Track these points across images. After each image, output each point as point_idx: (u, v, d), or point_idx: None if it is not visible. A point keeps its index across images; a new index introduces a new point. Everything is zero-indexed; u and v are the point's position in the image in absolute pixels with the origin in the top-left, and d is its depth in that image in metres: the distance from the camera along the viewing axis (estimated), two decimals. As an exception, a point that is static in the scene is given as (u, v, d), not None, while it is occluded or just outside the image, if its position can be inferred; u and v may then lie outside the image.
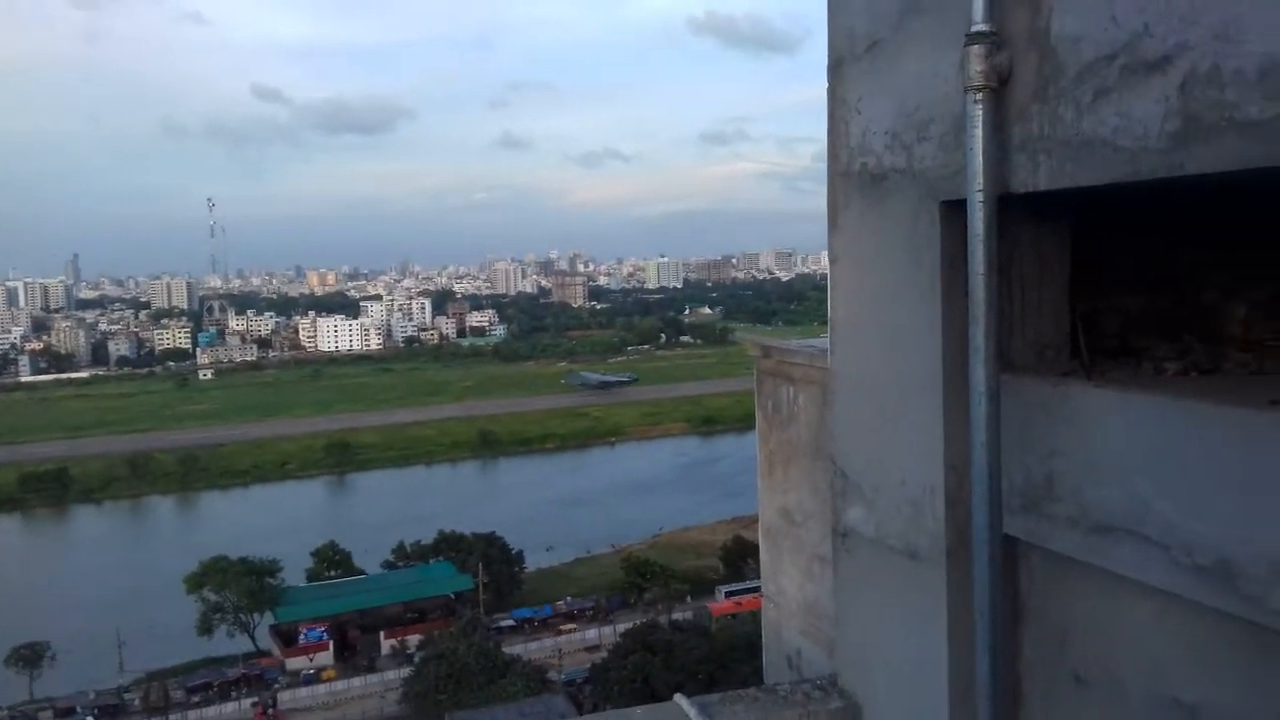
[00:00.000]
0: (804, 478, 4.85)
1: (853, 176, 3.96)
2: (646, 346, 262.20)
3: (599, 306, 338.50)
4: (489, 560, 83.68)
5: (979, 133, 3.06)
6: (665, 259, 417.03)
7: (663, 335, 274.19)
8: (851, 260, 4.01)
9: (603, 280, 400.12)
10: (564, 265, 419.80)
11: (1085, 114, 2.82)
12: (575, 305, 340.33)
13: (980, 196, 3.07)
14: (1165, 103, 2.56)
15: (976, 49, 3.06)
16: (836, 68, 4.09)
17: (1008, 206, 3.24)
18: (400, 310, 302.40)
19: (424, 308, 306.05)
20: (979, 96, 3.07)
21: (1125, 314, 4.02)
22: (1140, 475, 2.77)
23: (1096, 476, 2.92)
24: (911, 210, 3.58)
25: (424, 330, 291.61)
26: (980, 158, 3.06)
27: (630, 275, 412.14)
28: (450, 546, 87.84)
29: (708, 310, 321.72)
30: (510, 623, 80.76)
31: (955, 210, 3.30)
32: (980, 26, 3.06)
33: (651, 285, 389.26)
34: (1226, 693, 2.67)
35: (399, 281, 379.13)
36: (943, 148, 3.40)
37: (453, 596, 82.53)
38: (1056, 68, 2.91)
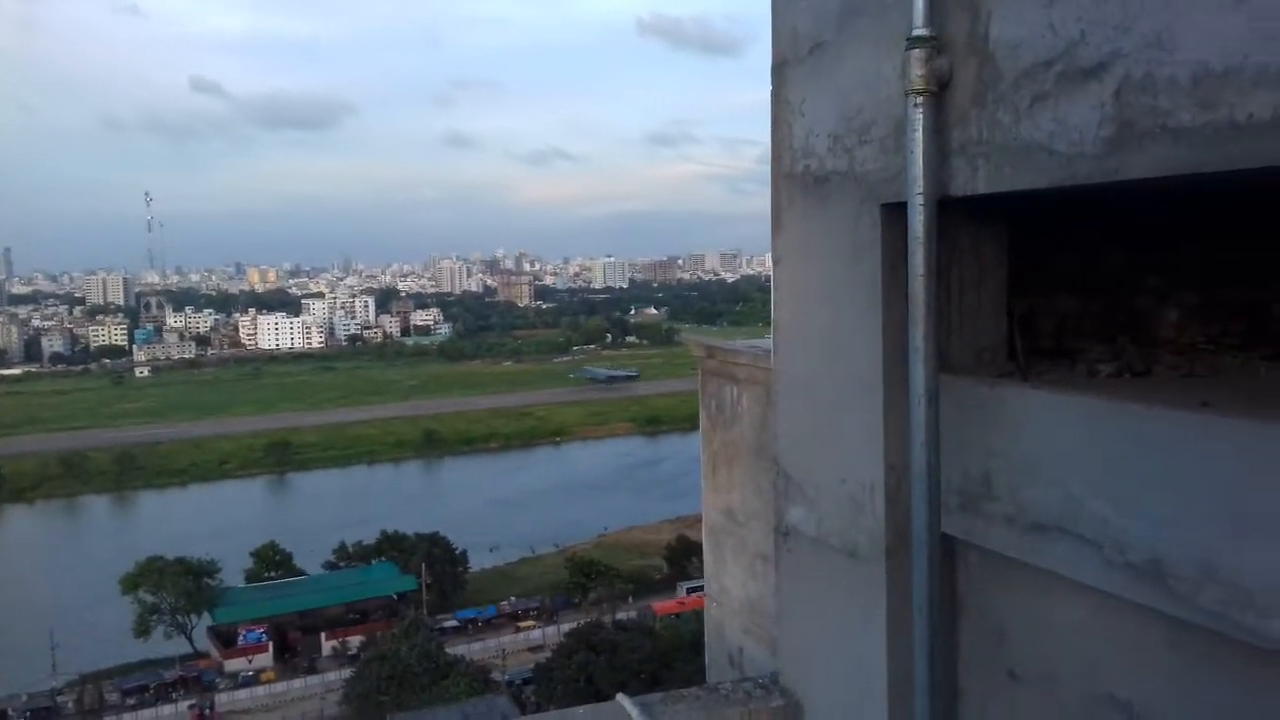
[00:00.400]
0: (747, 477, 4.87)
1: (796, 178, 3.98)
2: (592, 346, 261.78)
3: (545, 306, 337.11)
4: (432, 560, 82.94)
5: (919, 136, 3.09)
6: (611, 259, 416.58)
7: (609, 335, 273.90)
8: (794, 261, 4.02)
9: (549, 280, 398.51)
10: (510, 264, 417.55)
11: (1023, 119, 2.86)
12: (521, 304, 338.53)
13: (920, 200, 3.10)
14: (1101, 109, 2.60)
15: (917, 53, 3.09)
16: (780, 69, 4.11)
17: (947, 209, 3.27)
18: (343, 308, 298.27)
19: (367, 306, 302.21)
20: (919, 100, 3.10)
21: (1061, 316, 4.09)
22: (1074, 475, 2.82)
23: (1032, 476, 2.96)
24: (853, 212, 3.61)
25: (367, 328, 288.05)
26: (920, 161, 3.09)
27: (576, 275, 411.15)
28: (393, 547, 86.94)
29: (653, 310, 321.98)
30: (454, 623, 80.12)
31: (896, 213, 3.33)
32: (921, 31, 3.08)
33: (598, 285, 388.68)
34: (1160, 689, 2.72)
35: (342, 279, 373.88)
36: (884, 150, 3.43)
37: (395, 597, 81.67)
38: (995, 73, 2.95)
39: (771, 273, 4.19)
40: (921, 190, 3.10)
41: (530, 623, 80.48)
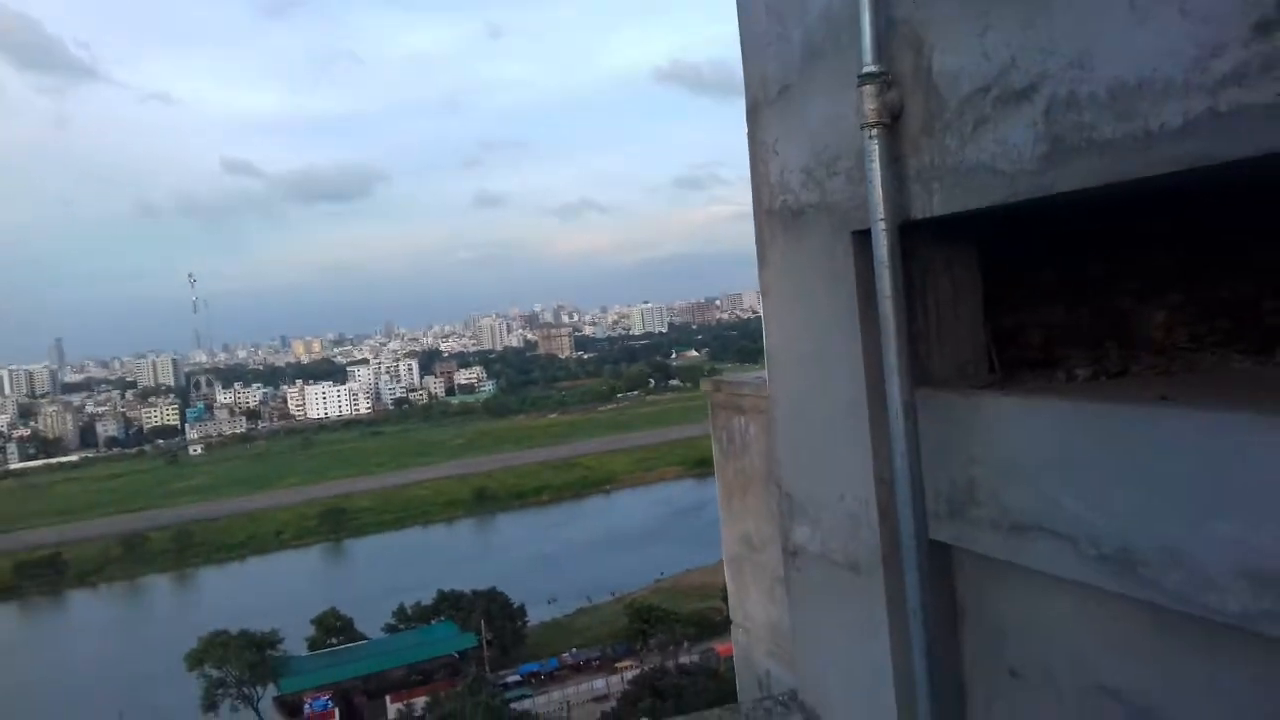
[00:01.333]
0: (760, 504, 5.01)
1: (775, 214, 4.17)
2: (636, 393, 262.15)
3: (586, 356, 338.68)
4: (490, 617, 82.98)
5: (876, 166, 3.27)
6: (649, 305, 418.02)
7: (651, 380, 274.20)
8: (780, 292, 4.20)
9: (588, 330, 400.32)
10: (549, 317, 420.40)
11: (968, 143, 3.03)
12: (562, 356, 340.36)
13: (883, 225, 3.27)
14: (1034, 128, 2.77)
15: (869, 88, 3.28)
16: (754, 112, 4.32)
17: (918, 232, 3.44)
18: (387, 373, 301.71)
19: (411, 369, 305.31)
20: (874, 132, 3.28)
21: (1048, 326, 4.21)
22: (1048, 475, 2.94)
23: (1011, 480, 3.09)
24: (828, 242, 3.78)
25: (412, 391, 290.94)
26: (880, 189, 3.27)
27: (615, 323, 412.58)
28: (451, 605, 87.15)
29: (694, 353, 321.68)
30: (516, 678, 79.90)
31: (865, 239, 3.49)
32: (870, 68, 3.28)
33: (637, 331, 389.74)
34: (1143, 674, 2.82)
35: (385, 344, 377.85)
36: (850, 181, 3.61)
37: (457, 656, 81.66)
38: (940, 102, 3.13)
39: (761, 305, 4.37)
40: (883, 216, 3.28)
41: (628, 663, 79.07)
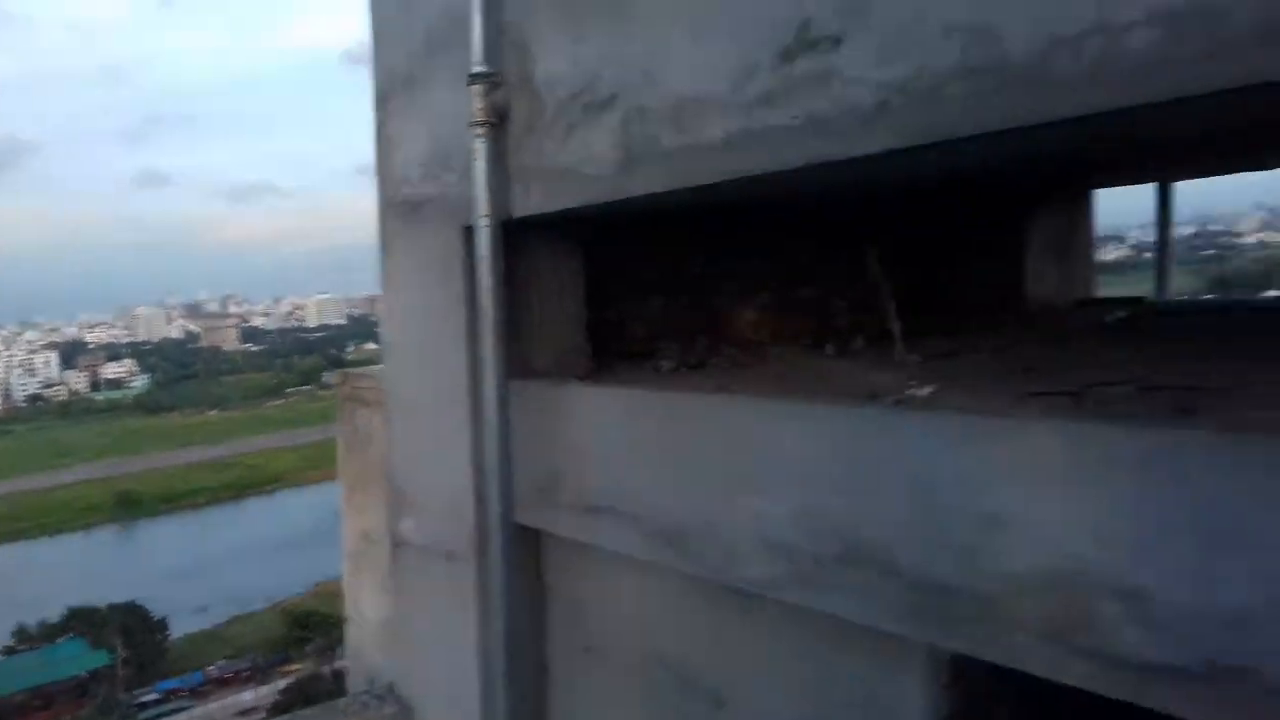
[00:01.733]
0: (380, 499, 4.99)
1: (397, 206, 4.18)
2: (308, 387, 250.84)
3: (255, 349, 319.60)
4: (128, 631, 76.23)
5: (481, 164, 3.38)
6: (327, 296, 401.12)
7: (324, 374, 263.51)
8: (398, 285, 4.21)
9: (259, 321, 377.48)
10: (215, 307, 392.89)
11: (562, 146, 3.20)
12: (227, 349, 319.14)
13: (485, 222, 3.38)
14: (612, 135, 2.98)
15: (477, 88, 3.38)
16: (382, 103, 4.30)
17: (525, 229, 3.57)
18: (21, 366, 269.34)
19: (50, 362, 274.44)
20: (481, 131, 3.38)
21: (649, 320, 4.50)
22: (617, 459, 3.16)
23: (588, 464, 3.28)
24: (443, 236, 3.84)
25: (50, 386, 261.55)
26: (484, 186, 3.37)
27: (289, 315, 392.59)
28: (84, 622, 79.10)
29: (372, 345, 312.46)
30: (154, 696, 73.84)
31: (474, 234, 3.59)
32: (479, 68, 3.38)
33: (312, 323, 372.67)
34: (691, 644, 3.10)
35: (19, 335, 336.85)
36: (463, 177, 3.68)
37: (86, 675, 74.26)
38: (540, 106, 3.28)
39: (382, 298, 4.36)
40: (486, 213, 3.38)
41: (295, 667, 74.46)
